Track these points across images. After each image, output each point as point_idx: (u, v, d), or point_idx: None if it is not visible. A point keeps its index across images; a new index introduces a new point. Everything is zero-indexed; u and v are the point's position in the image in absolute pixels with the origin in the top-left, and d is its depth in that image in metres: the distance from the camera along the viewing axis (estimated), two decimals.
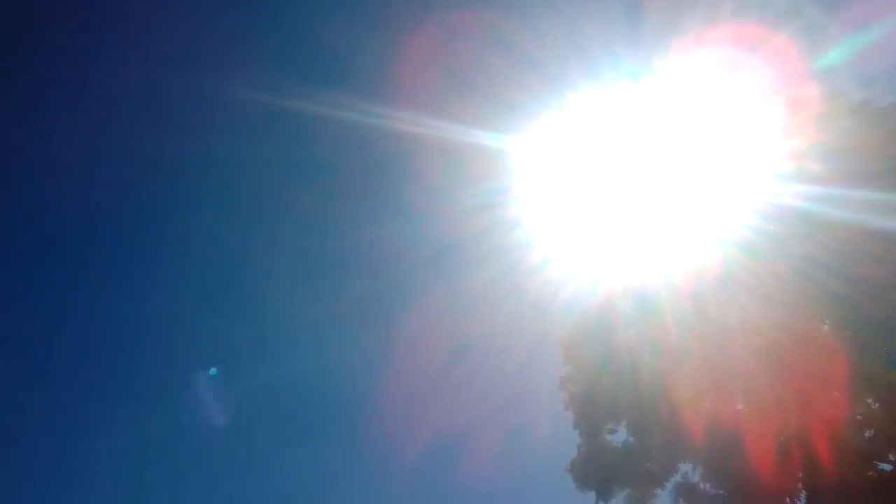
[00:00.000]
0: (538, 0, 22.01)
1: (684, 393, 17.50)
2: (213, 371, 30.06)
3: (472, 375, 23.90)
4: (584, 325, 18.84)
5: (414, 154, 24.32)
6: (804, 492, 17.16)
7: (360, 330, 28.14)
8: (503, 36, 22.38)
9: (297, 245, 28.11)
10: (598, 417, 18.31)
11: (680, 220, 18.63)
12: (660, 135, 19.14)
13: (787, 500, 17.13)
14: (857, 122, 16.25)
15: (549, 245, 20.35)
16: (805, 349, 16.43)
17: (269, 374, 30.79)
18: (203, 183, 28.87)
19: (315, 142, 26.59)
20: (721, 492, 17.27)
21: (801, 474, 17.09)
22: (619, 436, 18.41)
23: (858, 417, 17.20)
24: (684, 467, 17.89)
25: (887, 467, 16.76)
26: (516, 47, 22.08)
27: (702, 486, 17.53)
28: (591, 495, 18.15)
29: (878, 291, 15.04)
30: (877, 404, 16.91)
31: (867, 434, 17.01)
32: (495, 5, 22.41)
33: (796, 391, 16.54)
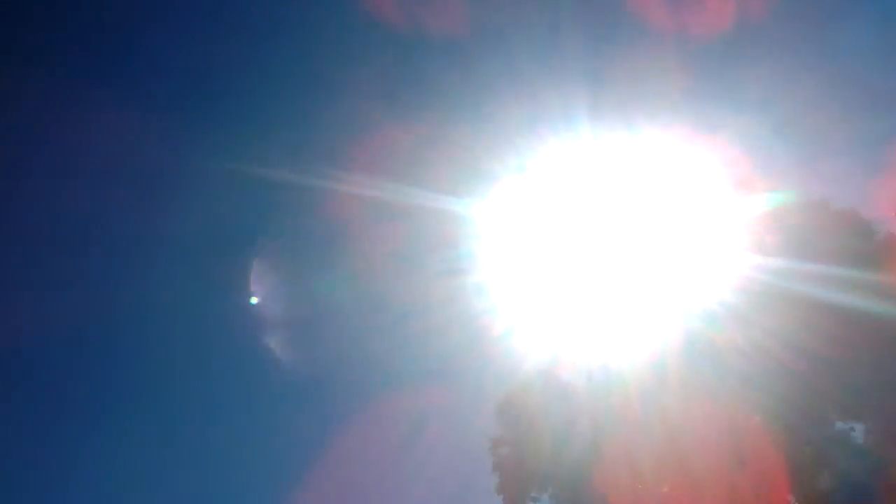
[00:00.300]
0: (501, 67, 22.70)
1: (612, 469, 17.46)
2: None
3: (430, 443, 23.67)
4: (522, 391, 18.91)
5: (376, 219, 24.68)
6: None
7: (319, 396, 27.88)
8: (468, 102, 23.10)
9: (259, 307, 28.02)
10: (523, 484, 18.13)
11: (642, 290, 18.96)
12: (623, 205, 19.64)
13: None
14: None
15: (512, 312, 20.50)
16: (746, 439, 16.68)
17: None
18: (169, 253, 28.97)
19: (279, 206, 26.92)
20: None
21: None
22: None
23: None
24: None
25: None
26: (481, 113, 22.77)
27: None
28: None
29: (831, 369, 15.63)
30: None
31: None
32: (460, 72, 23.14)
33: (729, 477, 16.61)
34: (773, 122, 19.75)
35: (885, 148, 20.56)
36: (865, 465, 16.65)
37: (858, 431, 17.27)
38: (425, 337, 23.08)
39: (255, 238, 27.42)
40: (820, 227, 16.94)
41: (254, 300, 26.16)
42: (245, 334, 27.43)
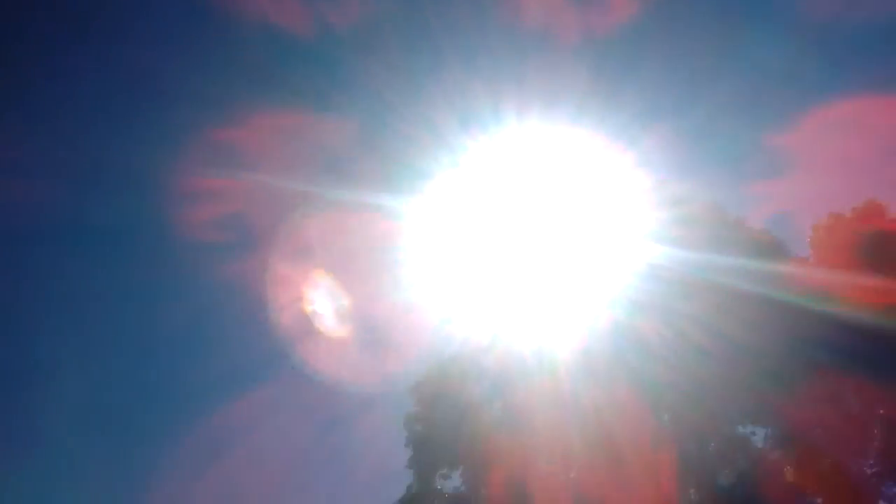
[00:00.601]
0: (428, 63, 23.63)
1: (522, 452, 17.74)
2: None
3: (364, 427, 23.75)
4: (439, 371, 19.19)
5: (314, 215, 24.97)
6: None
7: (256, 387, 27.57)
8: (401, 102, 23.80)
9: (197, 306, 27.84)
10: (434, 460, 18.19)
11: (569, 281, 19.58)
12: (548, 199, 20.41)
13: None
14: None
15: (445, 303, 20.86)
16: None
17: None
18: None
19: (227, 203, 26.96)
20: None
21: None
22: (452, 482, 18.50)
23: None
24: None
25: None
26: (414, 114, 23.46)
27: None
28: None
29: (745, 353, 16.41)
30: None
31: None
32: (394, 70, 23.93)
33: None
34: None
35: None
36: (762, 468, 17.36)
37: (759, 435, 17.88)
38: (361, 327, 23.20)
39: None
40: (719, 224, 18.07)
41: None
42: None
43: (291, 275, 24.75)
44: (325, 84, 24.62)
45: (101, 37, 27.20)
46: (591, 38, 22.11)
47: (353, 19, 23.63)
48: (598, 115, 20.67)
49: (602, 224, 19.48)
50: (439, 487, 18.29)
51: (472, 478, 18.04)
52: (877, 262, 17.61)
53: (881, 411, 17.14)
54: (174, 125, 26.73)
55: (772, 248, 18.38)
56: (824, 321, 16.24)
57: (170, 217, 25.81)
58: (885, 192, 18.93)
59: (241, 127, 24.49)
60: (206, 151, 24.21)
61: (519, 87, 21.57)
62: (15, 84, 26.76)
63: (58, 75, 28.01)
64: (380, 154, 23.29)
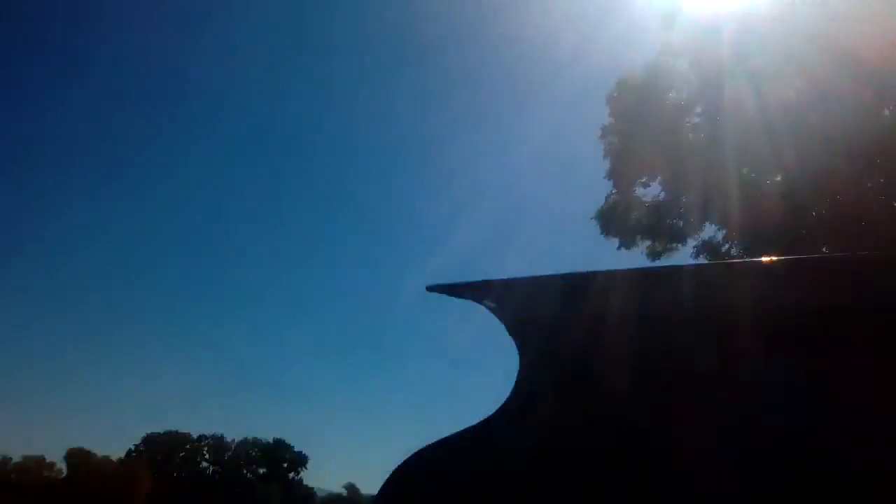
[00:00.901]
0: None
1: (725, 158, 17.28)
2: None
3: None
4: (634, 81, 18.40)
5: None
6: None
7: None
8: None
9: None
10: (633, 170, 18.29)
11: None
12: None
13: None
14: None
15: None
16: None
17: None
18: None
19: None
20: (743, 255, 17.45)
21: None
22: (651, 191, 18.71)
23: None
24: (709, 230, 18.22)
25: None
26: None
27: (724, 247, 17.81)
28: (614, 243, 18.78)
29: None
30: None
31: None
32: None
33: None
34: None
35: None
36: None
37: None
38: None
39: None
40: None
41: None
42: None
43: None
44: None
45: None
46: None
47: None
48: None
49: None
50: (639, 195, 18.50)
51: (671, 186, 18.01)
52: None
53: None
54: None
55: None
56: None
57: None
58: None
59: None
60: None
61: None
62: None
63: None
64: None
